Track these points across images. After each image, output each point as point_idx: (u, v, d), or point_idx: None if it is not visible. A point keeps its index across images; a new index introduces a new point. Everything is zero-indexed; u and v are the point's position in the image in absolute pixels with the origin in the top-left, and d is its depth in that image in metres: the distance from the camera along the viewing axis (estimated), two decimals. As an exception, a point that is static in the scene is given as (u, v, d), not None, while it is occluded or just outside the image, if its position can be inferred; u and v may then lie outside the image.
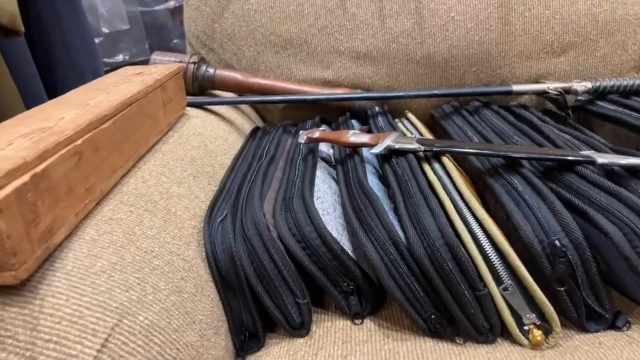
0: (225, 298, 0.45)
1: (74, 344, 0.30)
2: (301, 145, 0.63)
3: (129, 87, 0.51)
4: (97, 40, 1.57)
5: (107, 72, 0.67)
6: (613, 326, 0.43)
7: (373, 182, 0.53)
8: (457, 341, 0.43)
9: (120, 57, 1.68)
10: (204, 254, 0.45)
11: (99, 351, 0.31)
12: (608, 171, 0.49)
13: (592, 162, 0.48)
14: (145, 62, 0.78)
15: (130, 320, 0.33)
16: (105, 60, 1.63)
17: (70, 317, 0.31)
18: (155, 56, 0.78)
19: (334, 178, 0.60)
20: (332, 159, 0.65)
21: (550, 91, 0.71)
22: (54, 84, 0.99)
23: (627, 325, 0.43)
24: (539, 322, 0.42)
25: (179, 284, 0.40)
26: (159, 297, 0.37)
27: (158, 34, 1.76)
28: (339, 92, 0.79)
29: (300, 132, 0.62)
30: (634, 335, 0.42)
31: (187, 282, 0.41)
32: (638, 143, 0.62)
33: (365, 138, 0.57)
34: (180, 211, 0.46)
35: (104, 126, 0.41)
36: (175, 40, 1.80)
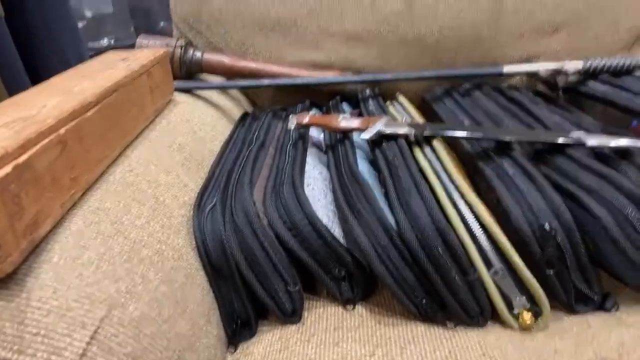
0: (216, 286, 0.45)
1: (62, 337, 0.30)
2: (291, 130, 0.62)
3: (114, 73, 0.50)
4: (80, 24, 1.53)
5: (91, 56, 0.65)
6: (602, 308, 0.44)
7: (364, 167, 0.53)
8: (448, 325, 0.44)
9: (104, 41, 1.65)
10: (194, 242, 0.45)
11: (88, 344, 0.30)
12: (598, 153, 0.49)
13: (582, 144, 0.48)
14: (131, 46, 0.76)
15: (119, 312, 0.33)
16: (90, 44, 1.59)
17: (58, 309, 0.30)
18: (141, 40, 0.76)
19: (324, 164, 0.59)
20: (323, 144, 0.65)
21: (542, 72, 0.71)
22: (37, 70, 0.97)
23: (616, 306, 0.44)
24: (529, 305, 0.42)
25: (169, 274, 0.39)
26: (148, 288, 0.36)
27: (144, 16, 1.73)
28: (330, 75, 0.78)
29: (290, 116, 0.61)
30: (622, 316, 0.43)
31: (177, 272, 0.41)
32: (628, 123, 0.62)
33: (355, 122, 0.57)
34: (169, 200, 0.46)
35: (88, 114, 0.40)
36: (161, 23, 1.77)
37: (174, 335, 0.37)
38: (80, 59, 1.05)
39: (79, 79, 0.47)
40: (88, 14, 1.58)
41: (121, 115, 0.48)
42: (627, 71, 0.70)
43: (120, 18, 1.65)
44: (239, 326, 0.45)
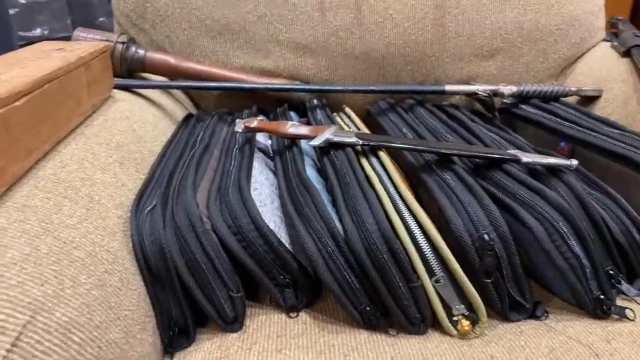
0: (153, 292, 0.42)
1: (-22, 344, 0.27)
2: (237, 134, 0.61)
3: (48, 62, 0.46)
4: (11, 12, 1.42)
5: (22, 46, 0.61)
6: (533, 316, 0.46)
7: (312, 174, 0.53)
8: (391, 332, 0.44)
9: (37, 31, 1.54)
10: (130, 245, 0.42)
11: (8, 351, 0.27)
12: (531, 169, 0.52)
13: (517, 161, 0.51)
14: (67, 39, 0.71)
15: (45, 317, 0.30)
16: (21, 33, 1.48)
17: (-25, 314, 0.27)
18: (79, 32, 0.72)
19: (271, 169, 0.58)
20: (270, 149, 0.64)
21: (480, 93, 0.75)
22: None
23: (546, 314, 0.46)
24: (467, 312, 0.44)
25: (102, 277, 0.37)
26: (78, 292, 0.34)
27: (82, 9, 1.64)
28: (278, 82, 0.77)
29: (237, 120, 0.60)
30: (552, 324, 0.45)
31: (112, 275, 0.38)
32: (555, 145, 0.67)
33: (304, 130, 0.57)
34: (104, 199, 0.43)
35: (17, 103, 0.37)
36: (101, 19, 1.68)
37: (105, 343, 0.34)
38: (9, 47, 0.97)
39: (7, 67, 0.43)
40: (21, 0, 1.47)
41: (55, 107, 0.44)
42: (555, 98, 0.75)
43: (56, 8, 1.55)
44: (176, 334, 0.43)
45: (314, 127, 0.57)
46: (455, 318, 0.44)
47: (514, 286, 0.45)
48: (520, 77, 0.84)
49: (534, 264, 0.46)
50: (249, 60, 0.81)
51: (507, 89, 0.75)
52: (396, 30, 0.80)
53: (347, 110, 0.79)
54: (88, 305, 0.34)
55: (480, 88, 0.75)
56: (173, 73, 0.77)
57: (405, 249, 0.43)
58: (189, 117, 0.74)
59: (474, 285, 0.43)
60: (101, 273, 0.37)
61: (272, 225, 0.44)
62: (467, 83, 0.81)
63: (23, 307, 0.29)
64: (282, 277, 0.45)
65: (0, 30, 0.94)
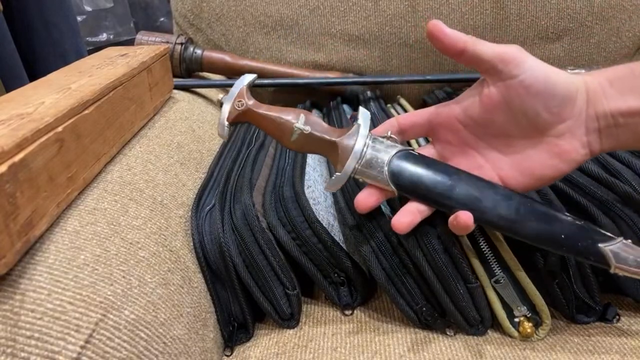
0: (213, 289, 0.44)
1: (56, 340, 0.29)
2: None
3: (113, 69, 0.49)
4: (79, 19, 1.51)
5: (90, 52, 0.65)
6: (603, 318, 0.43)
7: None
8: (448, 333, 0.43)
9: (104, 36, 1.63)
10: (191, 244, 0.44)
11: (82, 347, 0.30)
12: (603, 163, 0.48)
13: None
14: (131, 42, 0.75)
15: (115, 315, 0.32)
16: (88, 39, 1.58)
17: (53, 312, 0.30)
18: (141, 36, 0.75)
19: (325, 166, 0.59)
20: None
21: (544, 78, 0.70)
22: (35, 64, 0.95)
23: (617, 317, 0.43)
24: (530, 314, 0.42)
25: (165, 276, 0.39)
26: (144, 291, 0.36)
27: (143, 12, 1.71)
28: (331, 76, 0.77)
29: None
30: (624, 327, 0.42)
31: (174, 274, 0.40)
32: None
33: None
34: (167, 200, 0.45)
35: (86, 112, 0.40)
36: (161, 19, 1.76)
37: (170, 339, 0.36)
38: (78, 54, 1.04)
39: (77, 76, 0.46)
40: (87, 8, 1.56)
41: (120, 112, 0.47)
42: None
43: (119, 13, 1.64)
44: (235, 329, 0.45)
45: (330, 130, 0.41)
46: (516, 319, 0.42)
47: (582, 287, 0.42)
48: (590, 59, 0.79)
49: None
50: (302, 54, 0.81)
51: (575, 73, 0.70)
52: (453, 15, 0.77)
53: (402, 101, 0.77)
54: (153, 304, 0.36)
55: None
56: (229, 71, 0.79)
57: (463, 249, 0.41)
58: (245, 114, 0.75)
59: (537, 286, 0.41)
60: (165, 272, 0.39)
61: (325, 223, 0.45)
62: (531, 68, 0.77)
63: (95, 305, 0.32)
64: (336, 275, 0.45)
65: (70, 37, 1.00)
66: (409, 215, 0.38)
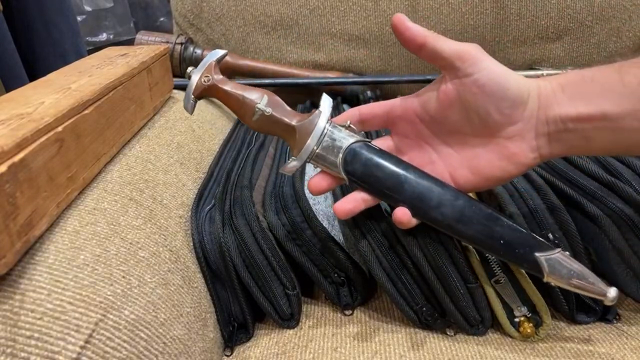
0: (213, 289, 0.44)
1: (56, 340, 0.29)
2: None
3: (113, 69, 0.49)
4: (79, 19, 1.51)
5: (90, 51, 0.65)
6: (603, 318, 0.43)
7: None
8: (448, 333, 0.43)
9: (103, 36, 1.63)
10: (191, 244, 0.44)
11: (82, 347, 0.30)
12: (603, 163, 0.48)
13: None
14: (131, 42, 0.75)
15: (115, 315, 0.32)
16: (88, 39, 1.57)
17: (53, 312, 0.30)
18: (141, 36, 0.75)
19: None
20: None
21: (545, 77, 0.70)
22: (35, 64, 0.95)
23: (617, 317, 0.43)
24: (530, 314, 0.42)
25: (165, 276, 0.39)
26: (144, 291, 0.36)
27: (143, 11, 1.71)
28: (331, 76, 0.77)
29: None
30: (624, 327, 0.42)
31: (174, 274, 0.40)
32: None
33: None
34: (167, 200, 0.45)
35: (86, 112, 0.40)
36: (161, 19, 1.75)
37: (170, 339, 0.36)
38: (78, 54, 1.04)
39: (76, 76, 0.46)
40: (87, 8, 1.56)
41: (120, 112, 0.47)
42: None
43: (119, 13, 1.64)
44: (235, 329, 0.45)
45: (291, 114, 0.41)
46: (516, 319, 0.42)
47: (582, 287, 0.42)
48: (590, 59, 0.79)
49: (605, 263, 0.43)
50: (302, 54, 0.81)
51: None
52: (453, 15, 0.77)
53: (402, 101, 0.77)
54: (153, 304, 0.36)
55: (545, 72, 0.71)
56: (229, 71, 0.79)
57: (463, 248, 0.41)
58: (245, 113, 0.75)
59: (537, 286, 0.41)
60: (165, 272, 0.39)
61: (325, 223, 0.45)
62: (531, 68, 0.77)
63: (95, 305, 0.32)
64: (336, 275, 0.45)
65: (69, 37, 1.00)
66: (352, 202, 0.39)
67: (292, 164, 0.40)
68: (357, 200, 0.39)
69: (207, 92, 0.41)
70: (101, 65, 0.51)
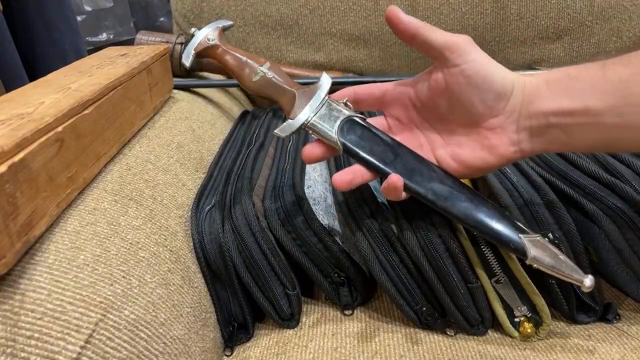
0: (213, 289, 0.44)
1: (56, 340, 0.29)
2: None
3: (113, 69, 0.49)
4: (79, 18, 1.51)
5: (90, 51, 0.65)
6: (603, 318, 0.43)
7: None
8: (448, 333, 0.43)
9: (103, 36, 1.63)
10: (191, 244, 0.44)
11: (82, 347, 0.30)
12: (603, 163, 0.48)
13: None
14: (131, 42, 0.75)
15: (115, 315, 0.32)
16: (88, 39, 1.57)
17: (53, 312, 0.30)
18: (141, 36, 0.75)
19: (325, 165, 0.58)
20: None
21: (544, 78, 0.70)
22: (35, 64, 0.95)
23: (617, 317, 0.43)
24: (530, 314, 0.42)
25: (165, 276, 0.39)
26: (144, 291, 0.36)
27: (143, 11, 1.71)
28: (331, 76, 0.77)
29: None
30: (624, 327, 0.42)
31: (174, 274, 0.40)
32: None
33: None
34: (166, 200, 0.45)
35: (86, 112, 0.40)
36: (161, 19, 1.75)
37: (170, 339, 0.36)
38: (78, 54, 1.03)
39: (76, 76, 0.46)
40: (87, 8, 1.56)
41: (119, 112, 0.47)
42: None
43: (119, 13, 1.64)
44: (235, 329, 0.45)
45: (292, 82, 0.44)
46: (517, 319, 0.42)
47: (582, 287, 0.42)
48: (591, 59, 0.79)
49: (605, 263, 0.43)
50: (302, 54, 0.81)
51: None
52: (453, 15, 0.77)
53: (402, 101, 0.77)
54: (153, 304, 0.36)
55: (544, 73, 0.71)
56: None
57: (463, 248, 0.41)
58: (245, 114, 0.75)
59: (537, 286, 0.41)
60: (164, 272, 0.39)
61: (325, 223, 0.45)
62: (532, 68, 0.77)
63: (95, 305, 0.32)
64: (336, 275, 0.45)
65: (69, 37, 1.00)
66: (351, 174, 0.40)
67: (287, 123, 0.41)
68: (355, 172, 0.40)
69: (208, 51, 0.43)
70: (101, 65, 0.51)
